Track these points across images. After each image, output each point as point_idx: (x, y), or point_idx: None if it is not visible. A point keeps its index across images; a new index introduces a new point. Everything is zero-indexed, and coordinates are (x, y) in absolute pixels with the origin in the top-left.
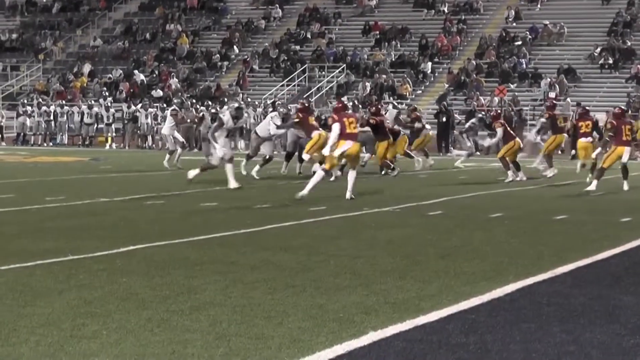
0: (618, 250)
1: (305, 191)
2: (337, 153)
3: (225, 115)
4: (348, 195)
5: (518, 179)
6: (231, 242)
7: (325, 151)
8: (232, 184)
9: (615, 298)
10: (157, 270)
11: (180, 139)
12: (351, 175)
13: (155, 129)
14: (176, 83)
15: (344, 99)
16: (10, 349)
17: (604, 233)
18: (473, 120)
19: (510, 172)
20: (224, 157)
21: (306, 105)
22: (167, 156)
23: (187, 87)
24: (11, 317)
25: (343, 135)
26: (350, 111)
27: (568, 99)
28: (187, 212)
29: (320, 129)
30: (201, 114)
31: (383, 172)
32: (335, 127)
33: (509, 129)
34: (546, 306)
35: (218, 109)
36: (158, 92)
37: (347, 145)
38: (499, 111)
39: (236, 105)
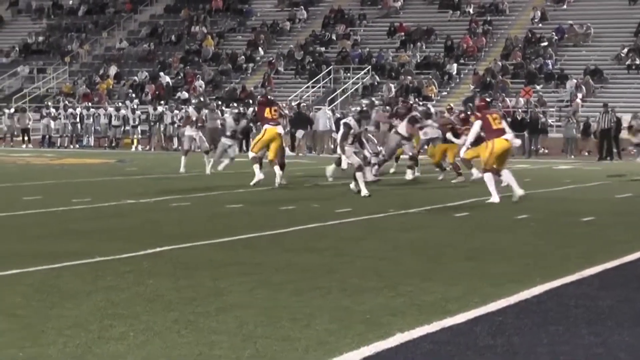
0: None
1: (496, 198)
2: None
3: (227, 120)
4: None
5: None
6: (257, 244)
7: (462, 153)
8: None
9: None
10: (183, 272)
11: (205, 144)
12: (506, 173)
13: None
14: (201, 85)
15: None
16: (38, 351)
17: (632, 235)
18: None
19: (474, 170)
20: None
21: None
22: (183, 159)
23: (213, 89)
24: (39, 318)
25: (490, 133)
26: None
27: (578, 100)
28: (212, 213)
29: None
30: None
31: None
32: (476, 125)
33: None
34: (574, 308)
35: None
36: (184, 94)
37: (499, 144)
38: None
39: (236, 110)
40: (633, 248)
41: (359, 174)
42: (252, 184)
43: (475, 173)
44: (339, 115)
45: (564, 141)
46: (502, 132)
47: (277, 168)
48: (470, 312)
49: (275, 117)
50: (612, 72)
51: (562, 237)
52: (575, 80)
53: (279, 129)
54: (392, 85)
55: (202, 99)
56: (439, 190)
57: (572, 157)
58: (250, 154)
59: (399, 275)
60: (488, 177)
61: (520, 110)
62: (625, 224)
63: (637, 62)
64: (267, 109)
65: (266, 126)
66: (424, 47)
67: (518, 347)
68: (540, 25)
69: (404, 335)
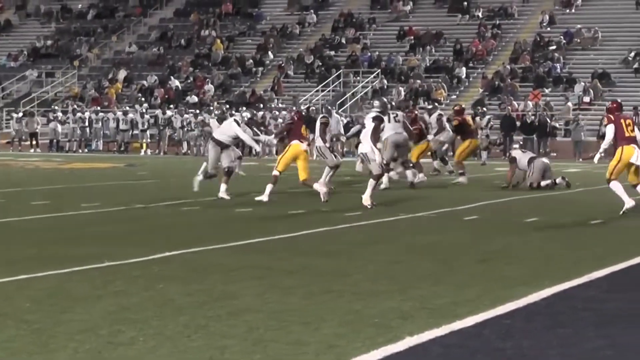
0: None
1: (630, 203)
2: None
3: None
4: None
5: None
6: (267, 248)
7: (596, 158)
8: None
9: None
10: (193, 276)
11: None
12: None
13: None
14: (211, 89)
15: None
16: (48, 356)
17: (638, 236)
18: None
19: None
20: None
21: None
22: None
23: (222, 93)
24: (50, 323)
25: (621, 140)
26: None
27: (569, 103)
28: (222, 218)
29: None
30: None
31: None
32: (610, 129)
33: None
34: (582, 311)
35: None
36: (193, 98)
37: (628, 152)
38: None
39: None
40: (634, 252)
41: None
42: (257, 199)
43: (420, 176)
44: (348, 119)
45: (573, 144)
46: (633, 140)
47: (316, 185)
48: (480, 315)
49: (307, 135)
50: (620, 76)
51: (571, 240)
52: (583, 84)
53: (303, 146)
54: (401, 89)
55: (224, 109)
56: (445, 194)
57: (580, 160)
58: (274, 172)
59: (409, 279)
60: (614, 186)
61: (529, 113)
62: (634, 227)
63: None
64: (304, 127)
65: (293, 142)
66: (433, 50)
67: (527, 350)
68: (548, 29)
69: (414, 338)
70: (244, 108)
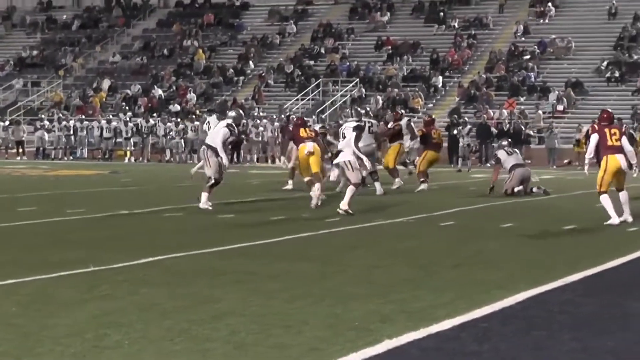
0: (628, 258)
1: (615, 220)
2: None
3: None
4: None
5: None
6: (249, 253)
7: (586, 170)
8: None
9: (626, 306)
10: (177, 280)
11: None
12: (623, 195)
13: (178, 143)
14: (193, 98)
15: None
16: (35, 359)
17: (613, 242)
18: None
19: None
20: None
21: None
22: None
23: (204, 102)
24: (36, 327)
25: (605, 149)
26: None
27: (539, 112)
28: (205, 223)
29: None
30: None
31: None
32: (593, 139)
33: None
34: (558, 314)
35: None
36: (175, 107)
37: (612, 162)
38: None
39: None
40: (615, 255)
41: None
42: (312, 205)
43: (397, 181)
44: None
45: (547, 152)
46: (617, 149)
47: (314, 189)
48: (457, 318)
49: (311, 136)
50: (593, 85)
51: (546, 245)
52: (557, 93)
53: (309, 146)
54: (379, 98)
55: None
56: (422, 200)
57: (555, 167)
58: (305, 179)
59: (388, 283)
60: (604, 200)
61: (505, 121)
62: (607, 232)
63: (617, 74)
64: (303, 129)
65: (300, 147)
66: (410, 60)
67: (503, 352)
68: (523, 39)
69: (392, 341)
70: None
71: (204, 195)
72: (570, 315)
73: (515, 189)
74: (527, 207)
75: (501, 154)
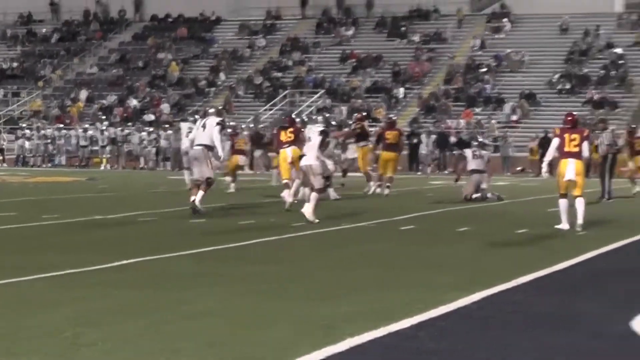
0: (577, 260)
1: (565, 225)
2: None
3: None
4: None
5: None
6: (221, 256)
7: (543, 171)
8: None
9: (576, 306)
10: (150, 282)
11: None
12: (579, 203)
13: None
14: (167, 108)
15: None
16: (12, 359)
17: (563, 245)
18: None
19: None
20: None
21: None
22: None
23: (177, 112)
24: (13, 328)
25: (561, 154)
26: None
27: (493, 121)
28: (177, 228)
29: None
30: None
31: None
32: (553, 143)
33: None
34: (512, 314)
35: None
36: (149, 117)
37: (563, 166)
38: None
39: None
40: (564, 257)
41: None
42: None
43: (371, 184)
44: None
45: (502, 159)
46: (572, 154)
47: (285, 192)
48: (415, 317)
49: (290, 139)
50: (545, 96)
51: (500, 247)
52: (511, 104)
53: (289, 151)
54: (343, 108)
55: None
56: (383, 205)
57: (509, 174)
58: (284, 181)
59: (352, 285)
60: (559, 203)
61: (462, 130)
62: (558, 235)
63: (567, 86)
64: (284, 132)
65: (280, 150)
66: (373, 72)
67: (460, 351)
68: (480, 52)
69: (354, 339)
70: (211, 110)
71: (201, 194)
72: (523, 314)
73: (473, 196)
74: (483, 212)
75: (468, 153)
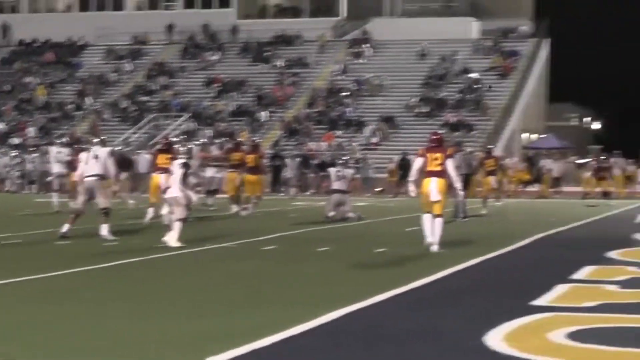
0: (434, 277)
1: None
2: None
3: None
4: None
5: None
6: (86, 276)
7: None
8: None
9: (431, 322)
10: (5, 304)
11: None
12: (437, 222)
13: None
14: (32, 131)
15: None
16: None
17: (420, 263)
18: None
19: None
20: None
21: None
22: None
23: (44, 135)
24: None
25: (425, 173)
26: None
27: (354, 144)
28: (42, 250)
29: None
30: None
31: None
32: (416, 162)
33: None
34: (373, 329)
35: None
36: (14, 140)
37: (425, 185)
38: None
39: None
40: (421, 275)
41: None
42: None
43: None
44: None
45: (362, 180)
46: (435, 173)
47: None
48: (278, 335)
49: (166, 165)
50: (404, 119)
51: (359, 266)
52: (371, 127)
53: (161, 178)
54: (207, 132)
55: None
56: (246, 225)
57: (369, 194)
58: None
59: (214, 304)
60: (422, 220)
61: (326, 153)
62: (415, 254)
63: (425, 110)
64: (162, 156)
65: (154, 175)
66: (237, 96)
67: None
68: (341, 77)
69: (216, 358)
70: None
71: (106, 227)
72: (381, 331)
73: (330, 214)
74: (343, 232)
75: (332, 172)
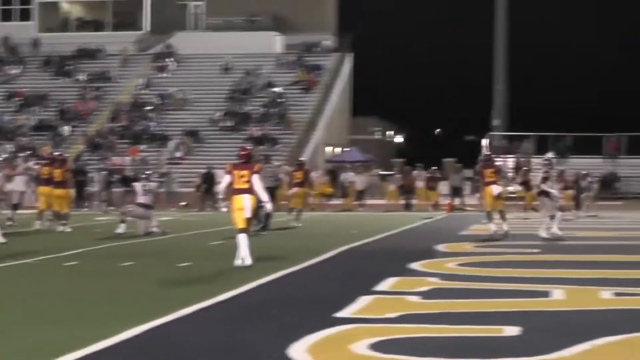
0: (238, 291)
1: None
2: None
3: None
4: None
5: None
6: None
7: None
8: None
9: (235, 335)
10: None
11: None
12: (242, 237)
13: None
14: None
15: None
16: None
17: (226, 277)
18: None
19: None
20: None
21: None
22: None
23: None
24: None
25: (233, 191)
26: None
27: (161, 157)
28: None
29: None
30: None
31: None
32: (224, 179)
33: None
34: (175, 345)
35: None
36: None
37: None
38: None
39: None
40: (226, 288)
41: None
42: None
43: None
44: None
45: (166, 195)
46: (243, 191)
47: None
48: (76, 353)
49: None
50: (208, 133)
51: (163, 281)
52: (175, 141)
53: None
54: (8, 147)
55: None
56: (48, 241)
57: (174, 209)
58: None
59: (16, 322)
60: (239, 238)
61: (130, 167)
62: (218, 268)
63: (230, 124)
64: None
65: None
66: (39, 110)
67: None
68: (145, 91)
69: None
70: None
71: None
72: (189, 344)
73: (141, 231)
74: (148, 246)
75: (138, 187)
